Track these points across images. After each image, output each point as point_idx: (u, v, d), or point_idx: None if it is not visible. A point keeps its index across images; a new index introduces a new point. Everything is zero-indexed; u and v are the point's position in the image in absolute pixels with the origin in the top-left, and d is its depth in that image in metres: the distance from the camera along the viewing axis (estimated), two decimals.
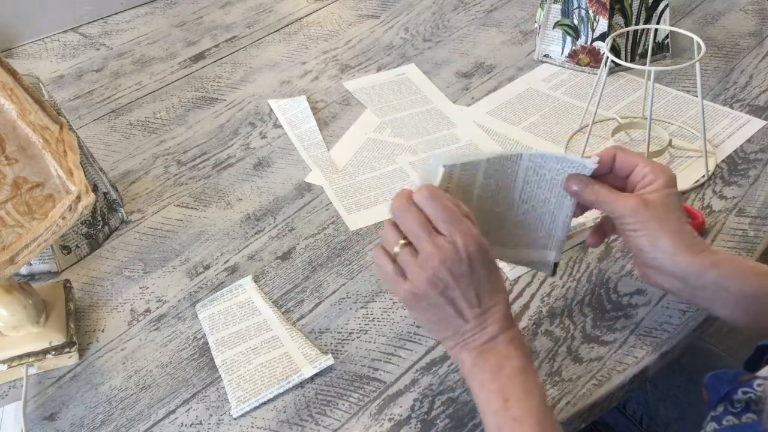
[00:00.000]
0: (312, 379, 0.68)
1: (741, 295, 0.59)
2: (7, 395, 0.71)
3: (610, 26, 1.03)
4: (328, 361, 0.69)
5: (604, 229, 0.68)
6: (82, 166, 0.68)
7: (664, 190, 0.60)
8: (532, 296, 0.74)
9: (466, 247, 0.55)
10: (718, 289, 0.59)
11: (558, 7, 1.07)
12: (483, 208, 0.63)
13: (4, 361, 0.71)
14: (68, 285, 0.78)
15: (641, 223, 0.59)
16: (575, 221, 0.80)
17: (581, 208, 0.65)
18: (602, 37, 1.04)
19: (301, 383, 0.68)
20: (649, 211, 0.59)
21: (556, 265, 0.67)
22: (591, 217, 0.80)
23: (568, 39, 1.07)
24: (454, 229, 0.55)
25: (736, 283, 0.59)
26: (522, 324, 0.71)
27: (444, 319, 0.57)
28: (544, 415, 0.54)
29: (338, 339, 0.72)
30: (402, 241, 0.56)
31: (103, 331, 0.76)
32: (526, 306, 0.73)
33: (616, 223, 0.62)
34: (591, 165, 0.61)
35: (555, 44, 1.09)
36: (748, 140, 0.91)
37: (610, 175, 0.63)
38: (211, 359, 0.72)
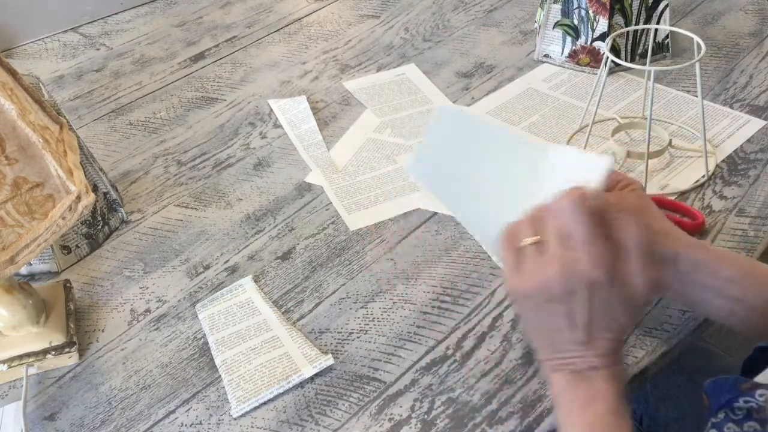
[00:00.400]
0: (312, 379, 0.68)
1: (731, 277, 0.59)
2: (7, 395, 0.71)
3: (610, 26, 1.03)
4: (328, 361, 0.69)
5: None
6: (82, 166, 0.68)
7: (639, 190, 0.60)
8: None
9: (591, 269, 0.52)
10: (707, 269, 0.59)
11: (558, 7, 1.07)
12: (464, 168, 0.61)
13: (4, 361, 0.71)
14: (68, 285, 0.78)
15: (626, 208, 0.57)
16: None
17: None
18: (602, 37, 1.04)
19: (301, 383, 0.68)
20: (633, 199, 0.59)
21: None
22: None
23: (568, 39, 1.07)
24: (589, 248, 0.52)
25: (727, 266, 0.59)
26: (522, 324, 0.71)
27: (546, 329, 0.55)
28: None
29: (338, 339, 0.72)
30: (535, 238, 0.55)
31: (103, 331, 0.76)
32: None
33: (606, 215, 0.60)
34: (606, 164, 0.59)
35: (555, 44, 1.09)
36: (748, 140, 0.91)
37: None
38: (211, 359, 0.72)
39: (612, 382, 0.54)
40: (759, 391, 0.57)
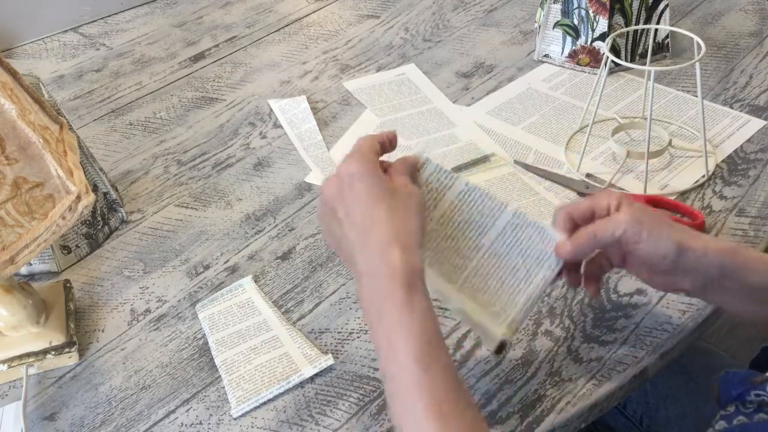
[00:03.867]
0: (312, 379, 0.68)
1: (761, 284, 0.58)
2: (7, 395, 0.71)
3: (610, 26, 1.03)
4: (328, 361, 0.69)
5: (594, 272, 0.64)
6: (82, 166, 0.68)
7: (631, 204, 0.60)
8: None
9: (348, 165, 0.56)
10: (734, 275, 0.59)
11: (558, 7, 1.07)
12: (443, 231, 0.60)
13: (4, 361, 0.71)
14: (68, 285, 0.78)
15: (645, 229, 0.58)
16: None
17: (569, 272, 0.63)
18: (602, 37, 1.04)
19: (301, 383, 0.68)
20: (642, 214, 0.59)
21: (503, 344, 0.59)
22: None
23: (568, 39, 1.07)
24: (357, 153, 0.57)
25: (753, 272, 0.58)
26: (522, 324, 0.71)
27: (336, 237, 0.58)
28: (431, 356, 0.50)
29: (338, 339, 0.72)
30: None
31: (103, 331, 0.76)
32: None
33: (620, 246, 0.60)
34: (556, 237, 0.60)
35: (555, 44, 1.09)
36: (748, 140, 0.91)
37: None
38: (211, 359, 0.72)
39: (395, 278, 0.51)
40: None
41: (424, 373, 0.48)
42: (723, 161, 0.88)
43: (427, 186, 0.61)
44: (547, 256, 0.60)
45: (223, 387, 0.69)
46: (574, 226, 0.61)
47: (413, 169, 0.60)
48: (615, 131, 0.92)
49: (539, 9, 1.10)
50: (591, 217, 0.61)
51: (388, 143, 0.60)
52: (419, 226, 0.55)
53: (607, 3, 1.02)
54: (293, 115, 1.05)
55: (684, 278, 0.60)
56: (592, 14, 1.04)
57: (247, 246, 0.84)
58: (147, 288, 0.81)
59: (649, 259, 0.59)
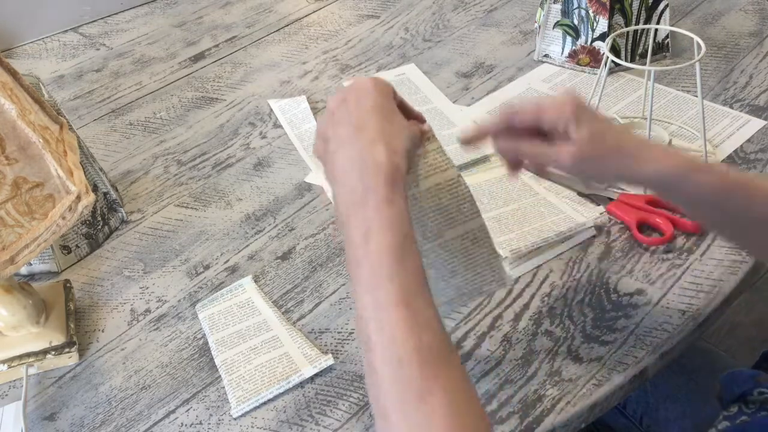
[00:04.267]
0: (312, 379, 0.68)
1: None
2: (7, 395, 0.71)
3: (610, 26, 1.03)
4: (328, 361, 0.69)
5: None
6: (82, 166, 0.68)
7: (581, 126, 0.58)
8: (532, 296, 0.74)
9: (356, 83, 0.56)
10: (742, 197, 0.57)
11: (558, 7, 1.07)
12: (418, 203, 0.61)
13: (4, 361, 0.71)
14: (68, 285, 0.78)
15: (586, 170, 0.59)
16: (574, 221, 0.80)
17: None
18: (602, 37, 1.04)
19: (301, 383, 0.68)
20: (589, 148, 0.58)
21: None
22: (592, 217, 0.80)
23: (568, 39, 1.07)
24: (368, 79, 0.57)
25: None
26: (522, 324, 0.71)
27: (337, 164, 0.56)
28: (404, 249, 0.49)
29: (338, 339, 0.72)
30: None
31: (103, 331, 0.76)
32: (526, 306, 0.73)
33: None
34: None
35: (555, 44, 1.09)
36: (748, 140, 0.91)
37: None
38: (211, 359, 0.72)
39: (379, 173, 0.51)
40: None
41: (397, 263, 0.47)
42: (723, 161, 0.88)
43: (425, 157, 0.61)
44: (487, 281, 0.63)
45: (223, 387, 0.69)
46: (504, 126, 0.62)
47: (423, 132, 0.60)
48: None
49: (539, 9, 1.10)
50: (534, 130, 0.60)
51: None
52: (407, 146, 0.55)
53: (607, 3, 1.02)
54: (293, 115, 1.05)
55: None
56: (592, 14, 1.04)
57: (247, 246, 0.84)
58: (147, 288, 0.81)
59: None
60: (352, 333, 0.73)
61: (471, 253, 0.62)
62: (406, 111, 0.59)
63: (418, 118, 0.60)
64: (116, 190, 0.91)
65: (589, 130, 0.58)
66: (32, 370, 0.72)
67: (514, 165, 0.65)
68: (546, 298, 0.74)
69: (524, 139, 0.61)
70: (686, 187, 0.57)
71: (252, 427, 0.65)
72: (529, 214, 0.82)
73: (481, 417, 0.45)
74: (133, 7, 1.40)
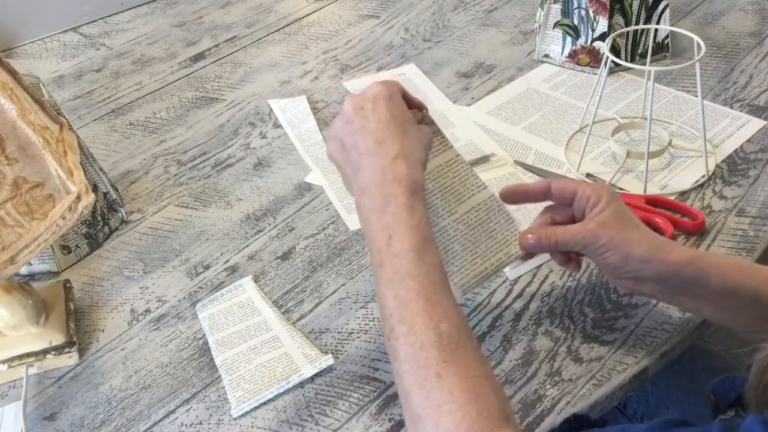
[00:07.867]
0: (312, 379, 0.68)
1: (721, 290, 0.60)
2: (7, 395, 0.71)
3: (610, 26, 1.03)
4: (328, 361, 0.69)
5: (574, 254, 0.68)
6: (82, 166, 0.68)
7: (610, 206, 0.62)
8: (532, 296, 0.74)
9: (376, 87, 0.60)
10: (697, 285, 0.60)
11: (558, 7, 1.07)
12: (426, 186, 0.64)
13: (4, 361, 0.71)
14: (68, 285, 0.78)
15: (605, 245, 0.61)
16: None
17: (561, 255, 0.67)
18: (602, 37, 1.04)
19: (301, 383, 0.68)
20: (607, 230, 0.61)
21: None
22: None
23: (568, 39, 1.07)
24: (381, 85, 0.61)
25: (715, 278, 0.60)
26: (522, 324, 0.71)
27: (348, 152, 0.60)
28: (424, 250, 0.55)
29: (338, 339, 0.72)
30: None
31: (103, 331, 0.76)
32: (526, 306, 0.73)
33: (584, 252, 0.64)
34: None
35: (555, 44, 1.09)
36: (748, 140, 0.91)
37: (555, 207, 0.67)
38: (211, 359, 0.72)
39: (402, 183, 0.57)
40: None
41: (416, 263, 0.54)
42: (723, 161, 0.88)
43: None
44: (509, 243, 0.66)
45: (223, 387, 0.69)
46: (543, 197, 0.67)
47: (423, 117, 0.65)
48: (615, 131, 0.92)
49: (539, 9, 1.10)
50: (570, 201, 0.65)
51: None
52: (424, 157, 0.60)
53: (607, 3, 1.02)
54: (293, 115, 1.05)
55: (644, 286, 0.63)
56: (592, 14, 1.04)
57: (247, 246, 0.84)
58: (147, 288, 0.81)
59: (614, 268, 0.63)
60: (352, 333, 0.73)
61: (488, 222, 0.66)
62: (408, 101, 0.63)
63: (418, 106, 0.65)
64: (116, 190, 0.91)
65: (612, 211, 0.63)
66: (32, 370, 0.72)
67: (566, 259, 0.68)
68: (546, 298, 0.74)
69: (555, 221, 0.67)
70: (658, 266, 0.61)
71: (252, 427, 0.65)
72: (529, 214, 0.82)
73: (495, 392, 0.50)
74: (133, 7, 1.40)
